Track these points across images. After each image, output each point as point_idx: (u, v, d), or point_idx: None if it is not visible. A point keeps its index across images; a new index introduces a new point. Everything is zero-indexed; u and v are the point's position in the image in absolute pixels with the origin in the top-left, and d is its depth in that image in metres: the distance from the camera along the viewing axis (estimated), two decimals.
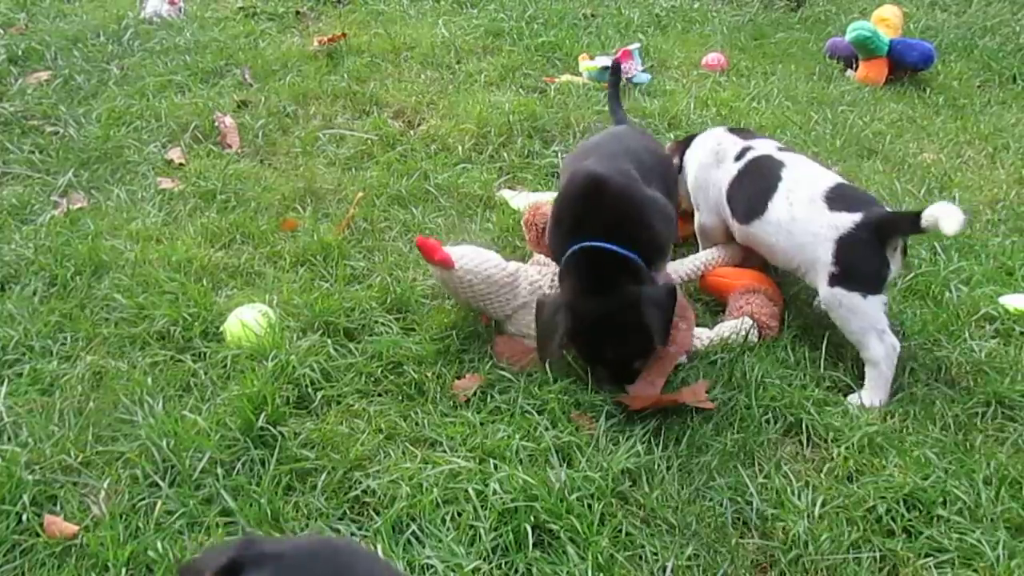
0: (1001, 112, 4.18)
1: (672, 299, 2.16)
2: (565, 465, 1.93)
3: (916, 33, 5.08)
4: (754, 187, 2.47)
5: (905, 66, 4.45)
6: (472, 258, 2.29)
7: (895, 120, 3.91)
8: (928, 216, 2.11)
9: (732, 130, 2.73)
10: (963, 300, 2.58)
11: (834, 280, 2.25)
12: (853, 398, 2.24)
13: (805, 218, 2.32)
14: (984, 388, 2.26)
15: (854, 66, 4.55)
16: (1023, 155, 3.70)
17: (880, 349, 2.22)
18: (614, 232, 2.17)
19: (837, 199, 2.31)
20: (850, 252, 2.23)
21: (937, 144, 3.73)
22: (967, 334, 2.45)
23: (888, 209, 2.33)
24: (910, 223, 2.18)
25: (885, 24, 4.56)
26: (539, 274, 2.40)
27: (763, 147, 2.56)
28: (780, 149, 2.57)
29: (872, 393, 2.23)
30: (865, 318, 2.23)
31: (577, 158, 2.47)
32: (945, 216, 2.08)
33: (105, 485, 1.85)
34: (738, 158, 2.55)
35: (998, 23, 5.61)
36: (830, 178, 2.40)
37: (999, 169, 3.56)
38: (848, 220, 2.24)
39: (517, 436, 1.98)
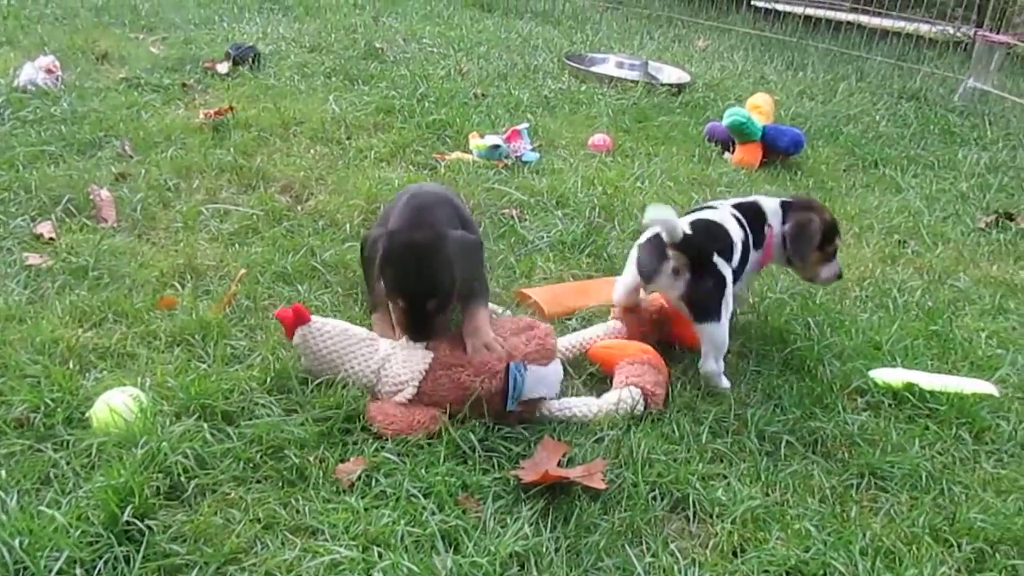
0: (865, 195, 4.46)
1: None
2: (452, 551, 1.88)
3: (787, 120, 5.41)
4: None
5: (777, 150, 4.71)
6: (329, 320, 2.40)
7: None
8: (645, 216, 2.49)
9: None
10: (836, 374, 2.69)
11: None
12: None
13: None
14: (858, 460, 2.34)
15: (731, 149, 4.78)
16: (886, 235, 3.94)
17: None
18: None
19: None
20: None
21: None
22: (840, 407, 2.55)
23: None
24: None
25: (758, 111, 4.84)
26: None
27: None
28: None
29: None
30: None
31: None
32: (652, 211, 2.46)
33: None
34: None
35: (860, 112, 6.04)
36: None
37: (865, 248, 3.78)
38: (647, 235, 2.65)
39: (402, 522, 1.92)
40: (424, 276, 2.32)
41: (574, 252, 3.36)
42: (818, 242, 2.83)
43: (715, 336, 2.55)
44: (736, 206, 2.85)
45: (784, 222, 2.85)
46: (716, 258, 2.56)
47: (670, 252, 2.51)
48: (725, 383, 2.59)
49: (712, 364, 2.56)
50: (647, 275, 2.61)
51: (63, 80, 4.59)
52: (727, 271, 2.58)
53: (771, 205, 2.90)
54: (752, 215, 2.84)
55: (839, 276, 2.96)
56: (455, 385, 2.29)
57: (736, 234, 2.70)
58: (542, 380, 2.35)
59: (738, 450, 2.34)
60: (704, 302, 2.54)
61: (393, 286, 2.37)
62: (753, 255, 2.81)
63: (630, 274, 2.72)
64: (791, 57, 7.66)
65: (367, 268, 2.55)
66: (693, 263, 2.52)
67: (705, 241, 2.57)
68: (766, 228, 2.85)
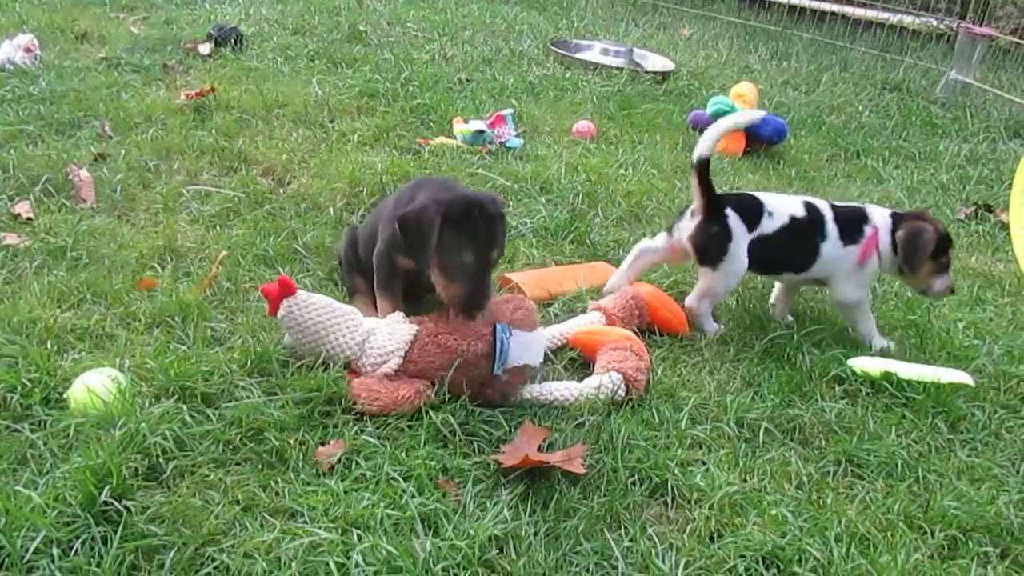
0: (847, 184, 4.49)
1: None
2: (431, 534, 1.88)
3: (770, 109, 5.42)
4: None
5: (760, 140, 4.73)
6: (314, 294, 2.41)
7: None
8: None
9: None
10: (815, 362, 2.71)
11: None
12: None
13: None
14: (835, 447, 2.36)
15: None
16: None
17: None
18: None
19: None
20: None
21: None
22: (819, 395, 2.57)
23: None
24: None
25: (742, 100, 4.85)
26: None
27: None
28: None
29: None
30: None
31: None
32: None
33: None
34: None
35: (843, 102, 6.07)
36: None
37: None
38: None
39: (382, 504, 1.92)
40: (490, 229, 2.36)
41: (557, 238, 3.36)
42: (931, 251, 2.84)
43: (710, 281, 2.76)
44: (833, 206, 2.90)
45: (895, 231, 2.87)
46: (728, 210, 2.75)
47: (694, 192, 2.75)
48: (711, 325, 2.80)
49: (694, 301, 2.77)
50: (673, 222, 2.87)
51: (42, 59, 4.53)
52: (738, 226, 2.75)
53: (879, 211, 2.93)
54: (849, 213, 2.89)
55: (952, 290, 2.97)
56: (442, 350, 2.29)
57: (776, 204, 2.82)
58: (527, 346, 2.35)
59: (717, 436, 2.36)
60: (707, 246, 2.75)
61: (458, 247, 2.31)
62: (840, 249, 2.84)
63: (633, 255, 2.95)
64: (775, 46, 7.67)
65: (415, 243, 2.35)
66: (706, 206, 2.73)
67: (722, 195, 2.79)
68: (866, 227, 2.87)
